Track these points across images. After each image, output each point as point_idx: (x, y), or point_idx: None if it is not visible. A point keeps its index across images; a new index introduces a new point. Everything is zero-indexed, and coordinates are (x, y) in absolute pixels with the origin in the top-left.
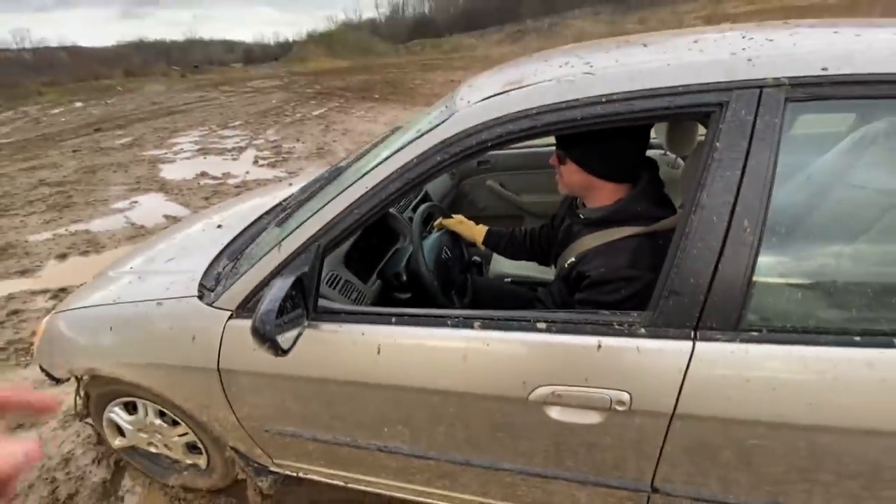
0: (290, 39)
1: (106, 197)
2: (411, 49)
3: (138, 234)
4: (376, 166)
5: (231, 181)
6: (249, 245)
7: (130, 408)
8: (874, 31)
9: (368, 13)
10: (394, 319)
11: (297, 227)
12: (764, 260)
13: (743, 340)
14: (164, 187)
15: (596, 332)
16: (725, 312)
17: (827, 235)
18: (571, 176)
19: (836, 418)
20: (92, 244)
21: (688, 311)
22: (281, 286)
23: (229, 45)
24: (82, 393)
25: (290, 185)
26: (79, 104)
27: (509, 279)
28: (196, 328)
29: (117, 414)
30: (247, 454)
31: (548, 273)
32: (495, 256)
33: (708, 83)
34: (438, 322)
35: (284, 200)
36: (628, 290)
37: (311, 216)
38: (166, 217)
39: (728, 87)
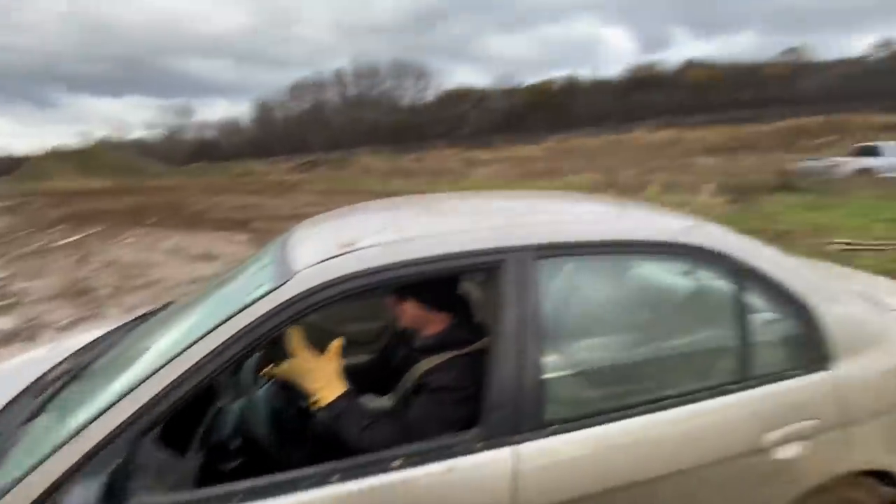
0: (17, 154)
1: None
2: (193, 171)
3: None
4: (212, 330)
5: None
6: (9, 440)
7: None
8: (582, 206)
9: (138, 133)
10: (237, 499)
11: (102, 411)
12: (548, 368)
13: (548, 435)
14: None
15: (442, 457)
16: (531, 416)
17: (584, 340)
18: (410, 312)
19: (618, 479)
20: None
21: (507, 421)
22: (89, 489)
23: None
24: None
25: (52, 348)
26: None
27: None
28: None
29: None
30: None
31: (382, 402)
32: None
33: (488, 248)
34: (292, 487)
35: (54, 371)
36: (463, 400)
37: (126, 394)
38: None
39: (500, 251)
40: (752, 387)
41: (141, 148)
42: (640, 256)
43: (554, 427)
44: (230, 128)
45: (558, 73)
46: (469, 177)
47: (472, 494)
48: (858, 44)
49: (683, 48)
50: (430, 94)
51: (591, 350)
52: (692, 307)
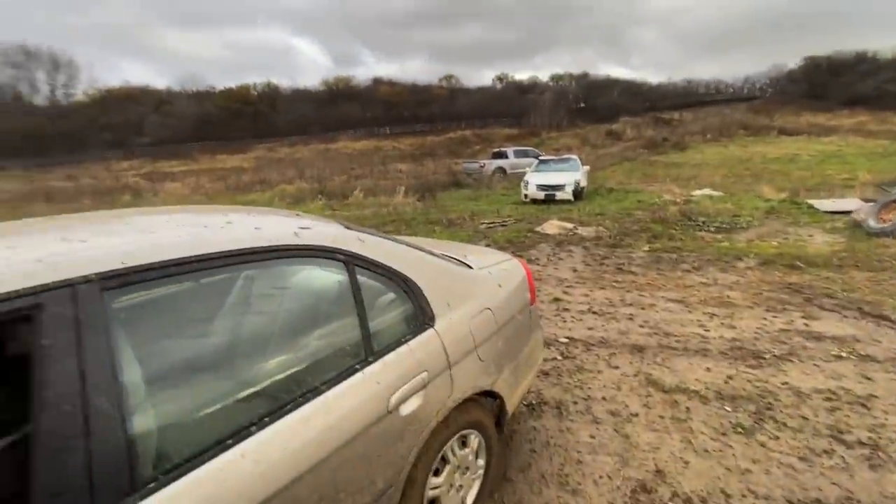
0: None
1: None
2: None
3: None
4: None
5: None
6: None
7: None
8: (161, 221)
9: None
10: None
11: None
12: (137, 421)
13: (147, 495)
14: None
15: None
16: (119, 487)
17: (180, 380)
18: None
19: (254, 498)
20: None
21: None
22: None
23: None
24: None
25: None
26: None
27: None
28: None
29: None
30: None
31: None
32: None
33: (14, 291)
34: None
35: None
36: None
37: None
38: None
39: (38, 290)
40: (374, 361)
41: None
42: (245, 267)
43: (153, 484)
44: None
45: (253, 80)
46: (157, 194)
47: None
48: (486, 75)
49: (370, 67)
50: (82, 93)
51: (200, 381)
52: (313, 305)
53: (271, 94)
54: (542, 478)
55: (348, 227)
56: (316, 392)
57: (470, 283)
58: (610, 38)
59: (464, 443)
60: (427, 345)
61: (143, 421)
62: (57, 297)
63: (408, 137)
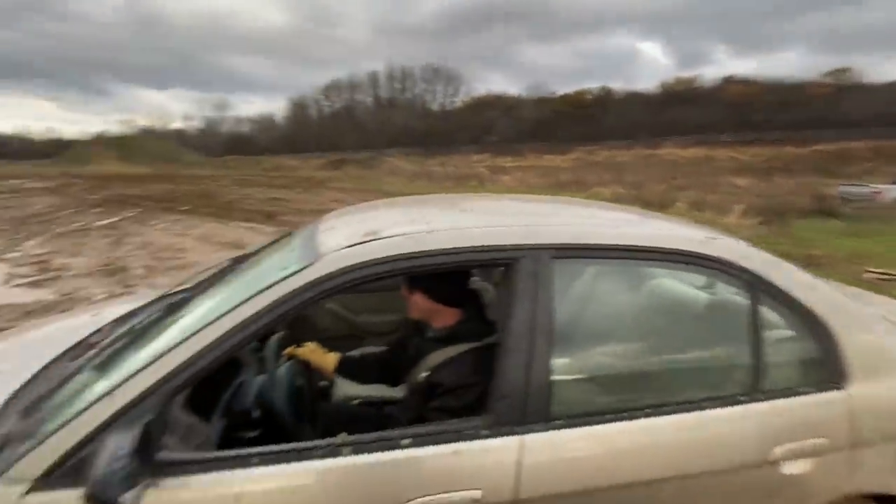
0: (67, 138)
1: None
2: (227, 163)
3: None
4: (242, 302)
5: None
6: (50, 394)
7: None
8: (599, 212)
9: (177, 124)
10: (255, 460)
11: (137, 371)
12: (557, 365)
13: (553, 429)
14: None
15: (450, 440)
16: (538, 409)
17: (595, 342)
18: (419, 303)
19: (620, 477)
20: None
21: (514, 411)
22: (123, 440)
23: None
24: None
25: (94, 315)
26: None
27: (357, 401)
28: None
29: None
30: None
31: (393, 392)
32: (340, 380)
33: (507, 245)
34: (306, 455)
35: (94, 336)
36: (474, 394)
37: (160, 357)
38: None
39: (519, 248)
40: (763, 400)
41: (179, 138)
42: (657, 264)
43: (559, 422)
44: (265, 123)
45: (592, 85)
46: (494, 183)
47: (477, 477)
48: None
49: (721, 65)
50: (460, 100)
51: (601, 352)
52: (707, 318)
53: (604, 98)
54: None
55: (756, 248)
56: (695, 405)
57: None
58: None
59: None
60: (831, 407)
61: (561, 366)
62: (530, 255)
63: (753, 147)
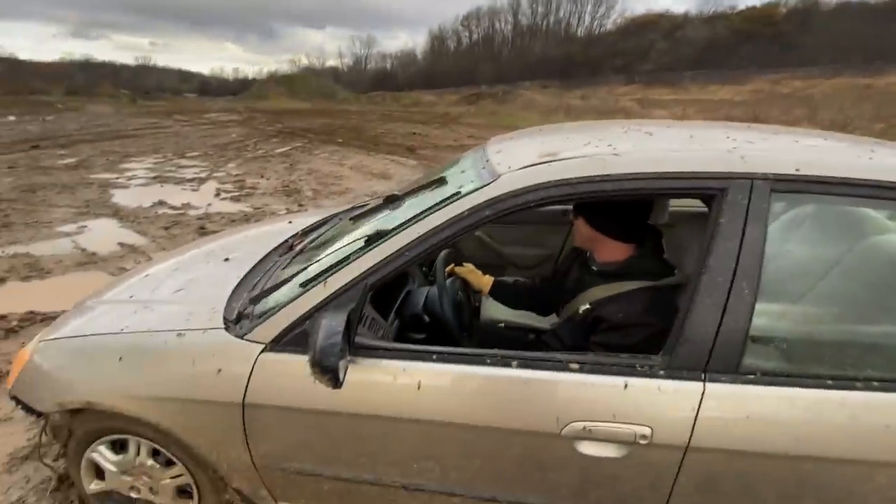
0: (250, 77)
1: (49, 219)
2: (372, 99)
3: (90, 261)
4: (426, 214)
5: (192, 212)
6: (267, 279)
7: (118, 447)
8: (823, 141)
9: (332, 61)
10: (434, 357)
11: (343, 265)
12: (758, 315)
13: (743, 382)
14: (118, 213)
15: (621, 373)
16: (728, 358)
17: (804, 297)
18: (582, 230)
19: (817, 449)
20: (35, 269)
21: (699, 356)
22: (335, 320)
23: (185, 76)
24: (53, 432)
25: (290, 222)
26: (12, 118)
27: (502, 324)
28: (222, 361)
29: (101, 453)
30: (251, 496)
31: (540, 321)
32: (487, 302)
33: (713, 172)
34: (478, 360)
35: (293, 238)
36: (643, 334)
37: (362, 255)
38: (122, 245)
39: (728, 176)
40: None
41: (334, 75)
42: None
43: (751, 377)
44: (406, 59)
45: None
46: (645, 119)
47: (648, 415)
48: None
49: None
50: (612, 23)
51: (814, 307)
52: None
53: (805, 11)
54: None
55: None
56: None
57: None
58: None
59: None
60: None
61: (764, 316)
62: (739, 185)
63: None
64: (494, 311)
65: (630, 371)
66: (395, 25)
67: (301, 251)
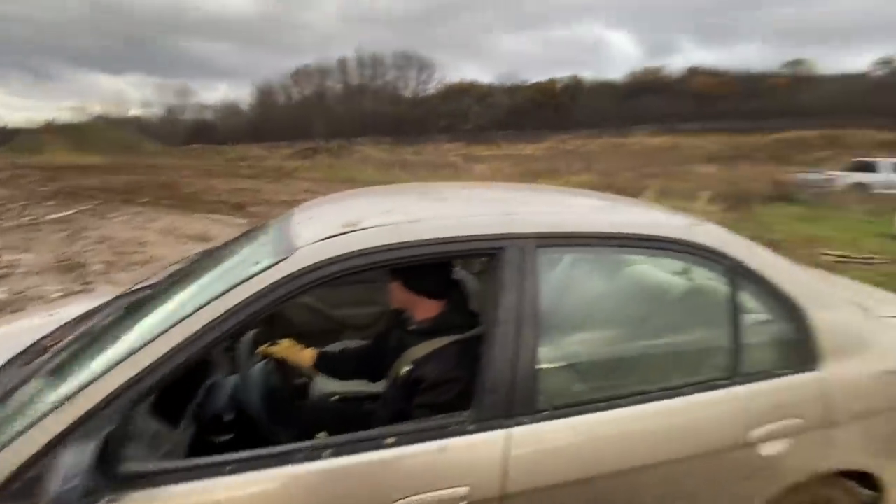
0: (10, 126)
1: None
2: (189, 153)
3: None
4: (213, 299)
5: None
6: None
7: None
8: (578, 200)
9: (136, 111)
10: (230, 467)
11: (97, 377)
12: (543, 356)
13: (540, 420)
14: None
15: (437, 437)
16: (525, 400)
17: (579, 331)
18: (396, 292)
19: (605, 466)
20: None
21: (501, 404)
22: (79, 454)
23: None
24: None
25: (51, 315)
26: None
27: (336, 397)
28: None
29: None
30: None
31: (374, 387)
32: (318, 377)
33: (492, 234)
34: (284, 460)
35: (46, 339)
36: (457, 390)
37: (122, 360)
38: None
39: (503, 237)
40: (741, 383)
41: (138, 126)
42: (639, 251)
43: (545, 413)
44: (229, 110)
45: (562, 74)
46: (469, 172)
47: (464, 474)
48: (861, 60)
49: (688, 55)
50: (433, 88)
51: (586, 341)
52: (686, 304)
53: (574, 88)
54: None
55: (734, 234)
56: (677, 391)
57: (871, 331)
58: None
59: None
60: (806, 388)
61: (547, 356)
62: (513, 245)
63: (718, 135)
64: (324, 385)
65: (444, 432)
66: (212, 76)
67: (51, 358)
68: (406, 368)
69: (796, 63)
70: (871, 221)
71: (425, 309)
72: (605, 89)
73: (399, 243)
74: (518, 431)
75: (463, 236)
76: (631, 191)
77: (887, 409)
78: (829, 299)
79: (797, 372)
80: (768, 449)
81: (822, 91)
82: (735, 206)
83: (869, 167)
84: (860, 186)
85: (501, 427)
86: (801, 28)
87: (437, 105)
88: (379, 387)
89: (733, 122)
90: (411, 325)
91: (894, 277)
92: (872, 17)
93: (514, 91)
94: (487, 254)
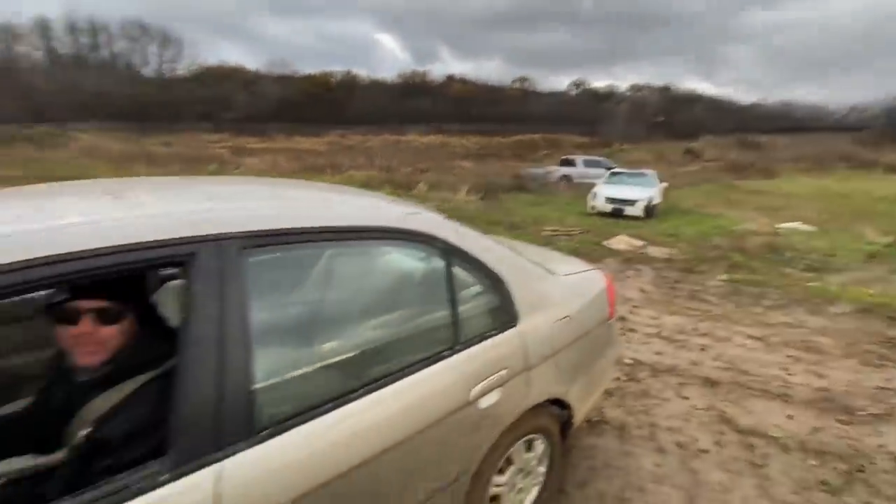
0: None
1: None
2: None
3: None
4: None
5: None
6: None
7: None
8: (294, 193)
9: None
10: None
11: None
12: (259, 370)
13: (260, 441)
14: None
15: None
16: (239, 424)
17: (305, 334)
18: (59, 333)
19: (338, 467)
20: None
21: (206, 438)
22: None
23: None
24: None
25: None
26: None
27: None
28: None
29: None
30: None
31: (48, 459)
32: None
33: (177, 238)
34: None
35: None
36: (156, 441)
37: None
38: None
39: (195, 240)
40: (461, 351)
41: None
42: (360, 243)
43: (266, 432)
44: None
45: (336, 68)
46: (239, 167)
47: None
48: (562, 81)
49: (446, 65)
50: (184, 68)
51: (310, 343)
52: (412, 288)
53: (349, 84)
54: (601, 497)
55: (449, 220)
56: (407, 371)
57: (553, 288)
58: (699, 52)
59: (529, 447)
60: (510, 343)
61: (266, 370)
62: (208, 249)
63: (475, 136)
64: None
65: (128, 495)
66: None
67: None
68: (84, 433)
69: (523, 80)
70: (571, 204)
71: (99, 346)
72: (380, 88)
73: (32, 260)
74: (231, 463)
75: (134, 244)
76: (408, 184)
77: (564, 348)
78: (523, 268)
79: (503, 331)
80: (486, 401)
81: (542, 103)
82: (487, 196)
83: (571, 163)
84: (566, 178)
85: (208, 464)
86: (526, 51)
87: (193, 89)
88: (55, 458)
89: (483, 125)
90: (81, 374)
91: (585, 242)
92: (570, 46)
93: (286, 81)
94: (171, 263)
